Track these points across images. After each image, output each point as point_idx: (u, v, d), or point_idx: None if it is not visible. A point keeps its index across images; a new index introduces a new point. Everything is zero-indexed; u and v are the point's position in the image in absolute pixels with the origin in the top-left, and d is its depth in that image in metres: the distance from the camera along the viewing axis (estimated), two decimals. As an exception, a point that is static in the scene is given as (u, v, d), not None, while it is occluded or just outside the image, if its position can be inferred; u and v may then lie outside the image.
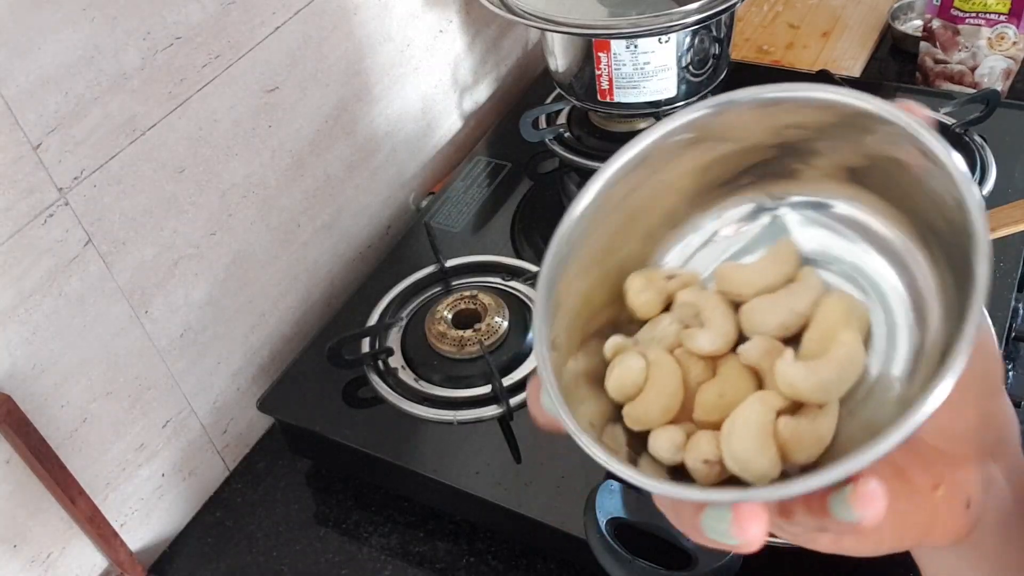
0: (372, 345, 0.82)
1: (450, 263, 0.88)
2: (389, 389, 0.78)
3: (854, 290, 0.32)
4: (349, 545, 0.76)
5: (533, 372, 0.32)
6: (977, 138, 0.92)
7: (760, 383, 0.31)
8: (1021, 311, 0.81)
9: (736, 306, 0.32)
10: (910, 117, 0.28)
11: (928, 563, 0.37)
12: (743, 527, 0.26)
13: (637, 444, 0.31)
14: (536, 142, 1.01)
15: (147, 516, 0.78)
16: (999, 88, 1.05)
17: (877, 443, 0.25)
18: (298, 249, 0.89)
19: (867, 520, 0.27)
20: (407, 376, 0.79)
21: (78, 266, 0.66)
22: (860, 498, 0.26)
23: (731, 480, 0.29)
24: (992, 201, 0.84)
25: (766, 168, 0.33)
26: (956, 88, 1.07)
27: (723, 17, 0.89)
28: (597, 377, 0.33)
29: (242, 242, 0.81)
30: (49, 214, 0.63)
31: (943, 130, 0.93)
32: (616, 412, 0.32)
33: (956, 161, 0.27)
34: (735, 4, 0.87)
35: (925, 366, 0.29)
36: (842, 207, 0.33)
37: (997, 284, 0.79)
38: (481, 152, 1.05)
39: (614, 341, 0.33)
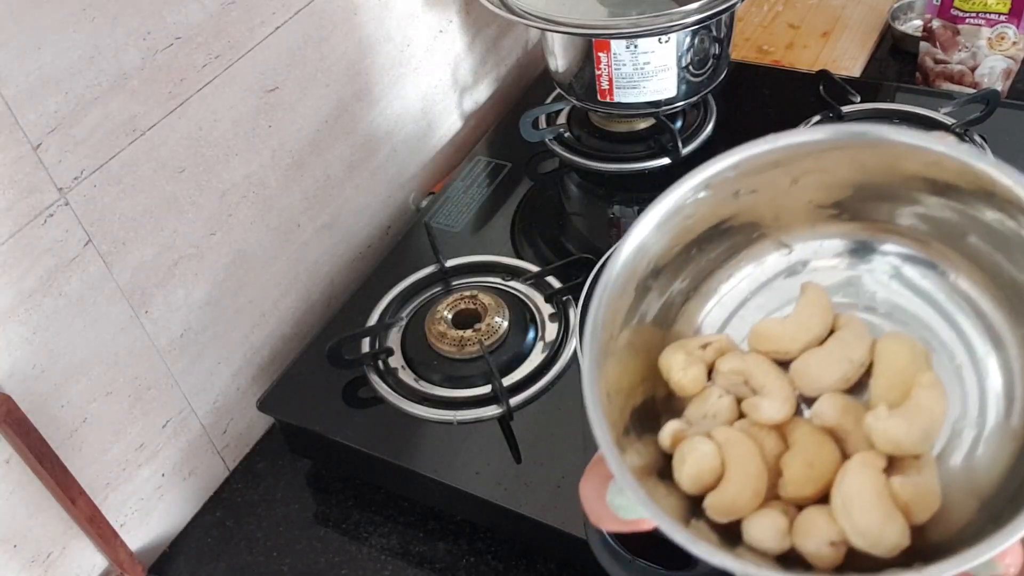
0: (372, 345, 0.82)
1: (450, 263, 0.88)
2: (389, 389, 0.78)
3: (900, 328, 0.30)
4: (349, 545, 0.76)
5: (594, 465, 0.28)
6: (977, 138, 0.92)
7: (840, 444, 0.29)
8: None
9: (783, 365, 0.30)
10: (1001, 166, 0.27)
11: None
12: None
13: (726, 535, 0.29)
14: (536, 142, 1.01)
15: (147, 516, 0.78)
16: (999, 88, 1.05)
17: None
18: (298, 249, 0.89)
19: (1011, 571, 0.26)
20: (407, 376, 0.79)
21: (78, 266, 0.66)
22: (1011, 552, 0.25)
23: (855, 558, 0.27)
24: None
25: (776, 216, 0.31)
26: (956, 88, 1.07)
27: (723, 17, 0.89)
28: (657, 470, 0.30)
29: (242, 242, 0.81)
30: (49, 214, 0.63)
31: (943, 130, 0.93)
32: (694, 506, 0.29)
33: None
34: (735, 4, 0.87)
35: (1018, 405, 0.27)
36: (947, 273, 0.31)
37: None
38: (481, 152, 1.05)
39: (671, 427, 0.30)
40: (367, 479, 0.81)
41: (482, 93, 1.15)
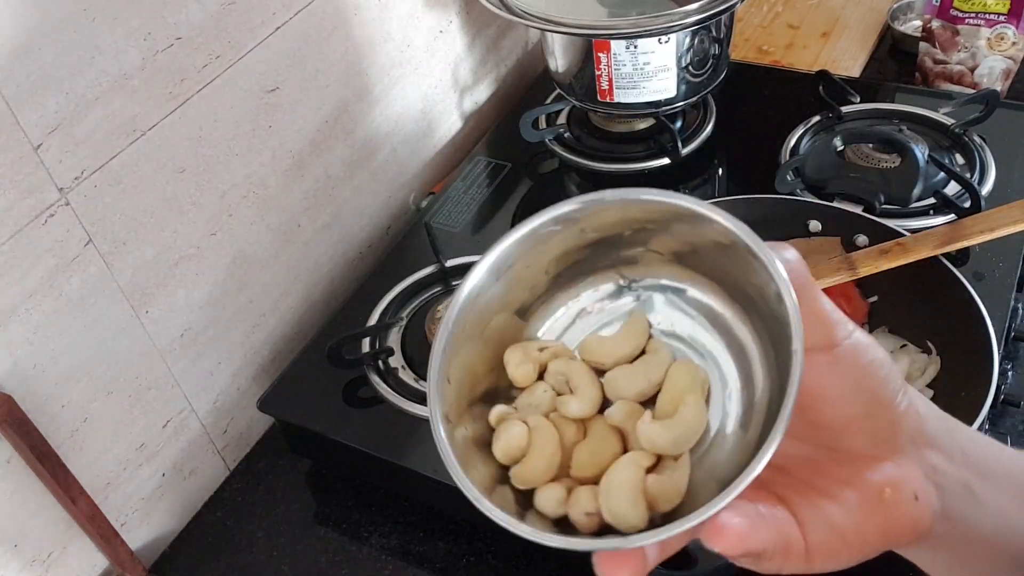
0: (372, 345, 0.82)
1: (450, 263, 0.88)
2: (389, 389, 0.78)
3: (695, 356, 0.38)
4: (349, 545, 0.77)
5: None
6: (976, 138, 0.92)
7: (624, 440, 0.36)
8: (1020, 311, 0.81)
9: (600, 373, 0.38)
10: (732, 219, 0.34)
11: (925, 566, 0.40)
12: (613, 572, 0.32)
13: (523, 502, 0.36)
14: (536, 142, 1.01)
15: (147, 516, 0.78)
16: (998, 88, 1.05)
17: (718, 500, 0.30)
18: (298, 249, 0.89)
19: (728, 551, 0.31)
20: (407, 376, 0.79)
21: (79, 266, 0.66)
22: (708, 534, 0.31)
23: (607, 529, 0.34)
24: (992, 201, 0.84)
25: (620, 254, 0.39)
26: (955, 88, 1.07)
27: (723, 17, 0.89)
28: (484, 443, 0.37)
29: (242, 242, 0.82)
30: (50, 214, 0.63)
31: (943, 130, 0.94)
32: (503, 474, 0.37)
33: (773, 257, 0.32)
34: (735, 4, 0.88)
35: (756, 418, 0.35)
36: (684, 287, 0.39)
37: (996, 284, 0.79)
38: (481, 152, 1.05)
39: (498, 410, 0.37)
40: (367, 479, 0.81)
41: (482, 93, 1.15)
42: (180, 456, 0.79)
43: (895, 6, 1.19)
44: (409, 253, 0.92)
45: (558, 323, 0.40)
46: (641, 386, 0.37)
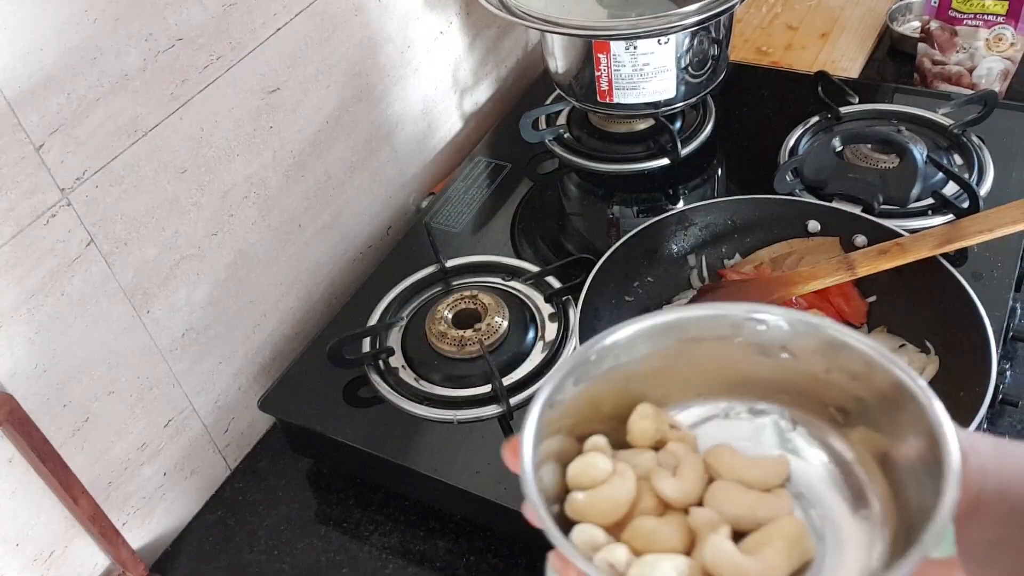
0: (373, 345, 0.82)
1: (450, 263, 0.88)
2: (389, 389, 0.79)
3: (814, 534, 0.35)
4: (350, 544, 0.77)
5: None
6: (975, 139, 0.93)
7: (690, 548, 0.35)
8: (1019, 311, 0.81)
9: (710, 479, 0.37)
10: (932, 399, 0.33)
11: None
12: None
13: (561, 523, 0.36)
14: (536, 143, 1.01)
15: (149, 515, 0.78)
16: (997, 89, 1.05)
17: None
18: (299, 249, 0.89)
19: None
20: (407, 376, 0.80)
21: (80, 266, 0.67)
22: None
23: None
24: (990, 202, 0.85)
25: (799, 393, 0.37)
26: (954, 89, 1.08)
27: (722, 18, 0.89)
28: (565, 460, 0.37)
29: (243, 242, 0.82)
30: (51, 214, 0.64)
31: (941, 131, 0.94)
32: (562, 493, 0.37)
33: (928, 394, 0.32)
34: (734, 5, 0.88)
35: None
36: (848, 460, 0.37)
37: (995, 284, 0.79)
38: (481, 153, 1.06)
39: (597, 440, 0.37)
40: (368, 478, 0.81)
41: (482, 94, 1.15)
42: (181, 455, 0.80)
43: (894, 7, 1.20)
44: (409, 253, 0.92)
45: (703, 415, 0.40)
46: (741, 513, 0.35)
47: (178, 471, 0.80)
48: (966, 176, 0.88)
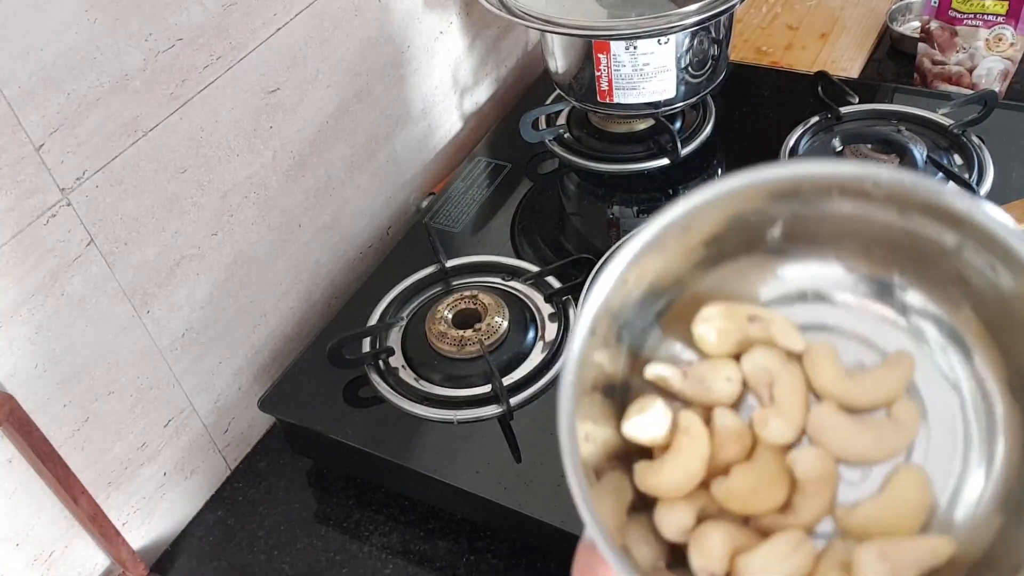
0: (373, 345, 0.82)
1: (450, 263, 0.88)
2: (389, 389, 0.79)
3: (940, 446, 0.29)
4: (350, 544, 0.77)
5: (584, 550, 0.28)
6: (975, 139, 0.93)
7: (792, 491, 0.28)
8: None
9: (815, 394, 0.29)
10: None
11: None
12: None
13: (639, 500, 0.29)
14: (536, 143, 1.01)
15: (149, 515, 0.78)
16: (997, 89, 1.05)
17: None
18: (299, 249, 0.89)
19: None
20: (407, 376, 0.80)
21: (80, 266, 0.67)
22: None
23: None
24: (990, 201, 0.84)
25: (913, 255, 0.29)
26: (954, 89, 1.08)
27: (722, 18, 0.89)
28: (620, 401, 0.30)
29: (243, 242, 0.82)
30: (51, 214, 0.64)
31: (941, 131, 0.94)
32: (625, 448, 0.29)
33: None
34: (734, 5, 0.88)
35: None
36: (972, 348, 0.29)
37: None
38: (481, 153, 1.06)
39: (659, 369, 0.29)
40: (368, 478, 0.81)
41: (482, 94, 1.15)
42: (181, 455, 0.80)
43: (894, 7, 1.20)
44: (409, 253, 0.92)
45: (778, 294, 0.30)
46: (855, 454, 0.28)
47: (178, 471, 0.80)
48: (966, 176, 0.88)
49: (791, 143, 0.96)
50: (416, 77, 1.01)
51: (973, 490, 0.28)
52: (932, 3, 1.06)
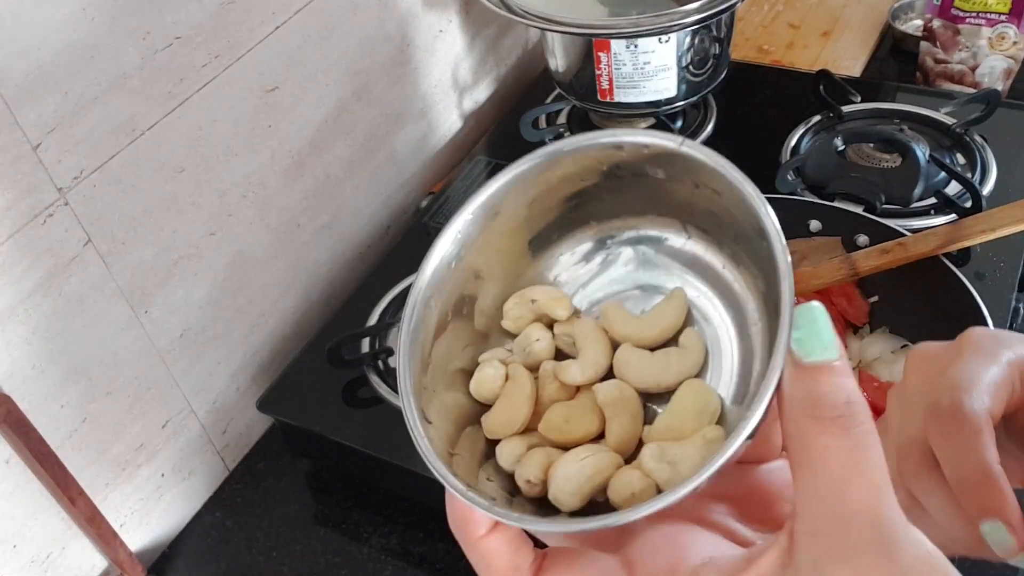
0: (372, 345, 0.82)
1: (450, 263, 0.88)
2: (389, 389, 0.78)
3: (699, 322, 0.35)
4: (349, 545, 0.76)
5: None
6: (977, 138, 0.92)
7: (603, 420, 0.34)
8: (1022, 311, 0.81)
9: (613, 343, 0.35)
10: (715, 155, 0.32)
11: None
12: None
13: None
14: (536, 142, 1.00)
15: (147, 516, 0.78)
16: (999, 88, 1.05)
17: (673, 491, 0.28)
18: (298, 249, 0.89)
19: None
20: (407, 376, 0.79)
21: (78, 266, 0.66)
22: None
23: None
24: (992, 201, 0.84)
25: (597, 207, 0.36)
26: (956, 88, 1.07)
27: (723, 17, 0.89)
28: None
29: (242, 242, 0.81)
30: (49, 214, 0.63)
31: (944, 130, 0.93)
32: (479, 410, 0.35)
33: (754, 191, 0.31)
34: (735, 4, 0.87)
35: (751, 391, 0.32)
36: (664, 236, 0.36)
37: (997, 284, 0.79)
38: (481, 152, 1.05)
39: (489, 353, 0.36)
40: (367, 479, 0.81)
41: (482, 93, 1.15)
42: (179, 456, 0.79)
43: (896, 5, 1.19)
44: (409, 253, 0.92)
45: (565, 262, 0.38)
46: (648, 383, 0.34)
47: (176, 472, 0.79)
48: (968, 175, 0.88)
49: (792, 142, 0.96)
50: (415, 76, 1.01)
51: (743, 390, 0.33)
52: (935, 1, 1.05)
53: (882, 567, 0.25)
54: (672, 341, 0.35)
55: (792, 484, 0.27)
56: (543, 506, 0.33)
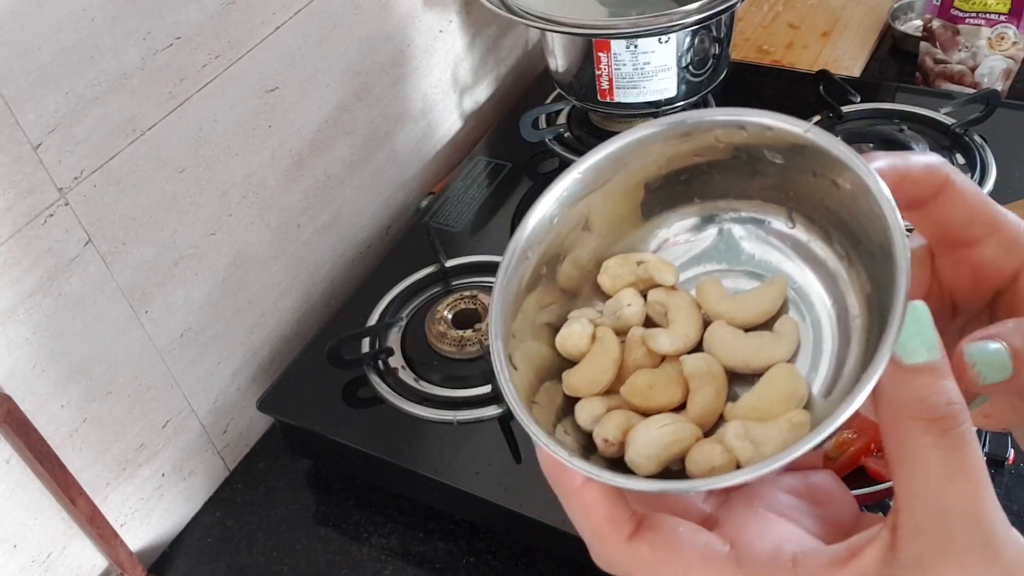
0: (372, 345, 0.82)
1: (450, 263, 0.88)
2: (389, 389, 0.78)
3: (795, 311, 0.35)
4: (349, 545, 0.76)
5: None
6: (977, 138, 0.92)
7: (687, 392, 0.34)
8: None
9: (704, 318, 0.35)
10: (843, 145, 0.31)
11: None
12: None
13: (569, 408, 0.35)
14: (536, 142, 1.01)
15: (147, 516, 0.78)
16: (999, 88, 1.05)
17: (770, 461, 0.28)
18: (298, 249, 0.89)
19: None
20: (407, 376, 0.79)
21: (78, 266, 0.66)
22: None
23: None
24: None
25: (704, 185, 0.36)
26: (956, 88, 1.07)
27: (723, 17, 0.89)
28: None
29: (242, 242, 0.81)
30: (49, 214, 0.63)
31: (943, 130, 0.93)
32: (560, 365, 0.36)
33: (883, 187, 0.30)
34: (735, 4, 0.87)
35: (841, 384, 0.32)
36: (767, 219, 0.36)
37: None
38: (481, 152, 1.05)
39: (579, 312, 0.37)
40: (367, 479, 0.81)
41: (482, 93, 1.15)
42: (180, 456, 0.79)
43: (896, 6, 1.19)
44: (409, 253, 0.92)
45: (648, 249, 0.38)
46: (736, 362, 0.34)
47: (176, 472, 0.79)
48: (968, 175, 0.88)
49: (792, 142, 0.96)
50: (416, 76, 1.01)
51: (834, 383, 0.33)
52: (934, 2, 1.05)
53: (987, 566, 0.25)
54: (765, 326, 0.35)
55: (893, 484, 0.27)
56: (616, 468, 0.33)
